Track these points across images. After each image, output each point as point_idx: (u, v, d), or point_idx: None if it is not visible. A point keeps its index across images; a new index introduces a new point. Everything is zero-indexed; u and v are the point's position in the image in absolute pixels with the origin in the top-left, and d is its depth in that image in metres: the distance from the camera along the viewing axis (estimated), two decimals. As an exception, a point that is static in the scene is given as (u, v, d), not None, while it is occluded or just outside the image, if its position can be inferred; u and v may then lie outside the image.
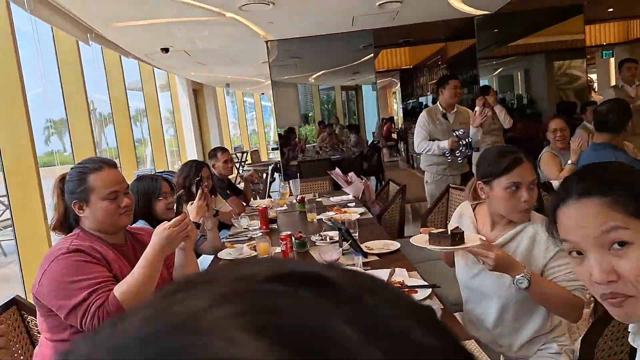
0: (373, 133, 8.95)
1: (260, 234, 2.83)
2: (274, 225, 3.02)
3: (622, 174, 0.74)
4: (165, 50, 5.38)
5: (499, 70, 6.52)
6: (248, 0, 3.89)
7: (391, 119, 12.15)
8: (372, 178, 6.80)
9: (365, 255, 2.21)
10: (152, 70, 7.37)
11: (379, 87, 13.69)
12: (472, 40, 5.66)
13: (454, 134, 3.50)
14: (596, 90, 7.82)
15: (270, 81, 5.83)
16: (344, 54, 6.10)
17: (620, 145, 2.76)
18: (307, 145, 7.87)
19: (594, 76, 13.25)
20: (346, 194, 3.79)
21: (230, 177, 3.84)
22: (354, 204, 3.47)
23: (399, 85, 10.82)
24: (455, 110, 3.61)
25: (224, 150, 3.74)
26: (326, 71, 7.87)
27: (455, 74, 3.59)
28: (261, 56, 5.80)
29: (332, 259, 2.10)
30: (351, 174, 3.92)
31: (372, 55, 5.78)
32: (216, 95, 10.13)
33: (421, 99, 9.28)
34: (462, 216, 1.74)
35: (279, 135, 6.68)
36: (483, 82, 6.35)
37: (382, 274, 1.94)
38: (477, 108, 3.79)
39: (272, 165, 7.09)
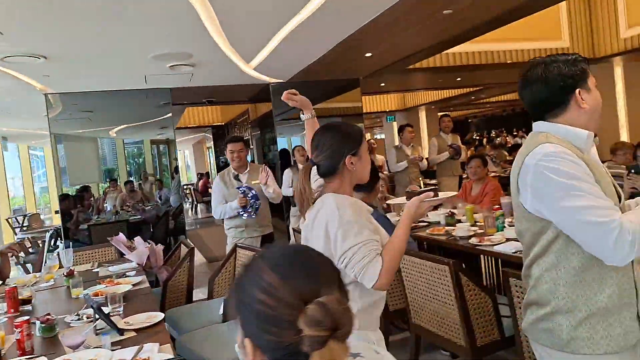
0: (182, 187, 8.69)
1: (5, 319, 2.41)
2: (28, 307, 2.61)
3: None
4: None
5: (297, 130, 7.11)
6: (13, 52, 3.50)
7: (207, 174, 12.12)
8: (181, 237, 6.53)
9: (120, 332, 2.05)
10: None
11: (193, 142, 13.66)
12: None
13: (239, 191, 3.58)
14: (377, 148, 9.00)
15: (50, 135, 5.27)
16: (144, 109, 5.91)
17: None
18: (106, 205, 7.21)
19: (382, 136, 15.59)
20: (130, 261, 3.53)
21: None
22: (134, 272, 3.25)
23: (212, 140, 10.94)
24: (247, 169, 3.67)
25: None
26: (129, 125, 7.47)
27: (236, 137, 3.70)
28: (42, 109, 5.23)
29: (75, 343, 1.89)
30: (137, 239, 3.69)
31: (170, 114, 5.73)
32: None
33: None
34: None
35: (62, 196, 5.95)
36: (281, 140, 6.85)
37: (128, 352, 1.81)
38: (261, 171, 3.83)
39: (51, 231, 6.24)
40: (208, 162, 12.89)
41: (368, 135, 16.16)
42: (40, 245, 5.75)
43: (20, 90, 4.71)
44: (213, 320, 2.91)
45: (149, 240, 3.72)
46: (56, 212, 6.48)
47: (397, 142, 12.94)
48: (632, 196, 2.86)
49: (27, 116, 6.47)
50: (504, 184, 7.37)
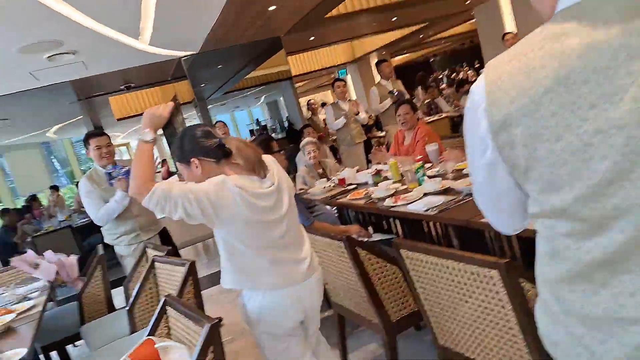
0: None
1: None
2: None
3: None
4: None
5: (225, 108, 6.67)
6: None
7: (164, 160, 11.63)
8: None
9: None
10: None
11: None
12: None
13: (108, 175, 3.10)
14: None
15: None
16: (51, 107, 5.40)
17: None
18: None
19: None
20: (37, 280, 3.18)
21: None
22: (38, 292, 2.90)
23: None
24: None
25: None
26: (63, 124, 6.97)
27: (98, 131, 3.23)
28: None
29: None
30: (47, 253, 3.33)
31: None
32: None
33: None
34: None
35: (2, 211, 5.54)
36: (221, 117, 6.40)
37: None
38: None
39: None
40: (163, 149, 12.36)
41: (320, 95, 15.67)
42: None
43: None
44: (121, 334, 2.63)
45: (60, 254, 3.38)
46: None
47: (353, 95, 12.59)
48: None
49: None
50: (457, 124, 7.07)
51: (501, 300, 1.40)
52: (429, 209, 2.34)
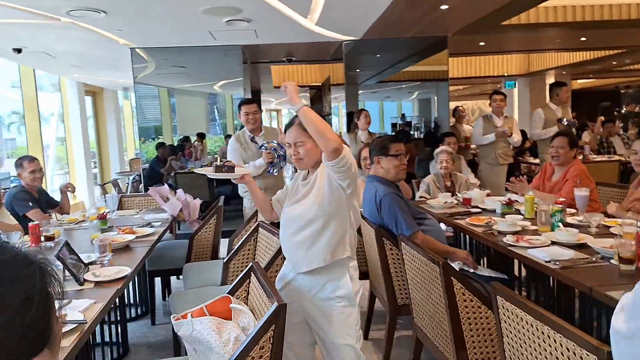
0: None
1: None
2: (50, 243, 2.82)
3: None
4: (18, 50, 5.08)
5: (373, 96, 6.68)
6: (75, 7, 3.71)
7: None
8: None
9: (80, 282, 2.08)
10: (32, 70, 6.97)
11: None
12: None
13: (264, 149, 3.37)
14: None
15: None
16: (221, 65, 6.00)
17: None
18: (209, 156, 7.62)
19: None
20: (164, 212, 3.64)
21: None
22: (160, 223, 3.33)
23: (309, 100, 10.90)
24: (263, 132, 3.57)
25: (31, 159, 3.51)
26: (229, 81, 7.72)
27: (249, 99, 3.55)
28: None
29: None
30: (179, 191, 3.79)
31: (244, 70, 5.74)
32: (117, 99, 9.74)
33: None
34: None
35: (159, 144, 6.41)
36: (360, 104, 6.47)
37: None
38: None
39: (134, 175, 6.78)
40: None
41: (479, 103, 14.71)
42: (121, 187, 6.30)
43: (103, 44, 5.07)
44: (213, 282, 2.88)
45: (189, 195, 3.80)
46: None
47: (516, 113, 11.56)
48: None
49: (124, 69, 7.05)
50: (628, 171, 6.04)
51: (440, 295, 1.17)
52: (551, 261, 2.04)
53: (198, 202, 3.80)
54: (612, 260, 1.96)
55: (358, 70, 5.98)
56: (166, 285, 3.87)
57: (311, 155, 1.89)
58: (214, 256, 3.51)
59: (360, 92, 6.38)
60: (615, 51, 8.16)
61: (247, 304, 1.90)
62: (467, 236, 3.34)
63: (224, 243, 3.53)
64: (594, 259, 2.01)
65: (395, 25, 4.81)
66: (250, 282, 1.95)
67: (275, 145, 3.40)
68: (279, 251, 2.25)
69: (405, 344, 2.88)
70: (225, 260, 2.78)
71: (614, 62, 9.58)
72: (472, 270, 2.54)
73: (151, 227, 3.20)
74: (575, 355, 1.21)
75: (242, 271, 2.52)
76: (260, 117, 3.57)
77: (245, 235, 2.79)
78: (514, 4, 4.24)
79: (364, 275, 3.14)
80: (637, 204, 2.68)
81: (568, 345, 1.24)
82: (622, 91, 18.32)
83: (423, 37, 5.55)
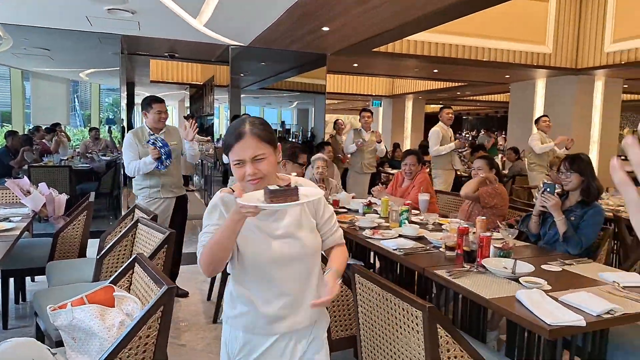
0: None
1: None
2: None
3: None
4: None
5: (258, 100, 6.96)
6: None
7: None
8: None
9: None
10: None
11: (179, 99, 13.46)
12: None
13: (149, 143, 3.44)
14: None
15: None
16: (93, 51, 5.69)
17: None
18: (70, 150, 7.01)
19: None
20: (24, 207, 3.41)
21: None
22: (20, 218, 3.11)
23: (188, 99, 10.75)
24: (164, 131, 3.58)
25: None
26: (101, 70, 7.22)
27: (160, 98, 3.55)
28: None
29: None
30: (41, 185, 3.55)
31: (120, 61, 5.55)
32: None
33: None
34: None
35: (9, 132, 5.77)
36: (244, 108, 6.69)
37: None
38: (186, 123, 3.83)
39: None
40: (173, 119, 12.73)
41: (349, 117, 15.97)
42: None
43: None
44: (83, 279, 2.76)
45: (53, 189, 3.60)
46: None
47: (380, 127, 12.86)
48: (541, 214, 2.79)
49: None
50: (460, 182, 7.27)
51: (419, 339, 1.60)
52: (397, 249, 2.56)
53: (64, 197, 3.58)
54: (440, 249, 2.53)
55: (242, 75, 6.20)
56: (20, 287, 3.57)
57: (272, 170, 1.38)
58: (81, 254, 3.34)
59: (242, 95, 6.61)
60: (459, 84, 9.70)
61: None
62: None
63: (91, 243, 3.38)
64: (428, 247, 2.57)
65: (281, 38, 5.17)
66: (134, 272, 2.02)
67: (161, 142, 3.50)
68: (163, 243, 2.34)
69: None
70: (99, 256, 2.69)
71: (458, 93, 11.32)
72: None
73: (10, 222, 2.97)
74: (408, 312, 1.65)
75: (117, 267, 2.54)
76: (167, 118, 3.60)
77: (124, 231, 2.77)
78: (381, 35, 4.92)
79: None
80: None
81: (403, 306, 1.67)
82: (464, 117, 21.54)
83: (305, 53, 6.02)
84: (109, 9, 4.13)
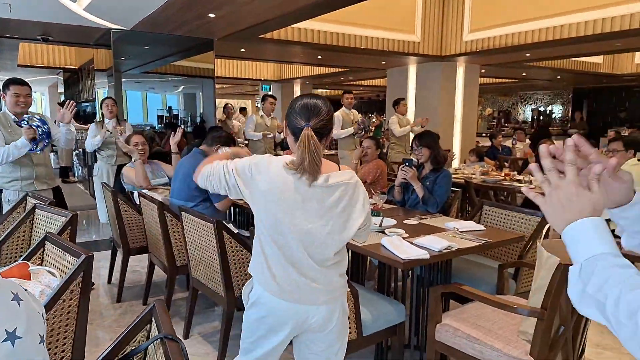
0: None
1: None
2: None
3: None
4: None
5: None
6: None
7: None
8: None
9: None
10: None
11: (49, 84, 12.33)
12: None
13: (22, 123, 3.20)
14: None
15: None
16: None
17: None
18: None
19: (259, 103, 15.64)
20: None
21: None
22: None
23: (62, 84, 9.97)
24: (28, 117, 3.23)
25: None
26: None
27: (22, 80, 3.27)
28: None
29: None
30: None
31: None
32: None
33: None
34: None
35: None
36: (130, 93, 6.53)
37: None
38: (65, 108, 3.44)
39: None
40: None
41: (242, 102, 16.08)
42: None
43: None
44: None
45: None
46: None
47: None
48: (401, 185, 3.33)
49: None
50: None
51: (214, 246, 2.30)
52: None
53: None
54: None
55: (123, 59, 6.02)
56: None
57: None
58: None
59: (124, 79, 6.41)
60: (342, 69, 10.37)
61: (43, 270, 2.08)
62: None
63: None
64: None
65: (167, 22, 5.17)
66: (44, 249, 2.11)
67: (38, 120, 3.22)
68: (67, 224, 2.43)
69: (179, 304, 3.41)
70: (-6, 243, 2.65)
71: (342, 77, 12.05)
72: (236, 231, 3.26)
73: None
74: (207, 228, 2.02)
75: (18, 254, 2.54)
76: (31, 102, 3.31)
77: (22, 217, 2.74)
78: (267, 23, 5.20)
79: (142, 250, 3.54)
80: None
81: (206, 224, 2.04)
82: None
83: (192, 37, 6.04)
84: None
